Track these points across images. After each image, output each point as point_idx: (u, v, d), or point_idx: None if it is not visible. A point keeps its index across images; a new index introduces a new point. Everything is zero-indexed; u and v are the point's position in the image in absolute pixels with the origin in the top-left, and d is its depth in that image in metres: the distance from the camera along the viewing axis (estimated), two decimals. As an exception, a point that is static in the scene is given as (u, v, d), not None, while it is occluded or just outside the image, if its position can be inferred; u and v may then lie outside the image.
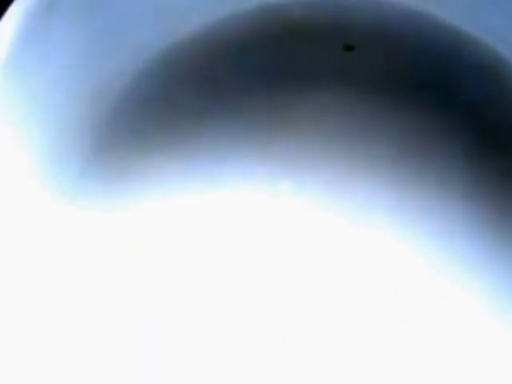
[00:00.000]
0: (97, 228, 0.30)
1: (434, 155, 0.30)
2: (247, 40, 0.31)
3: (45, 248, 0.29)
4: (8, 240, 0.28)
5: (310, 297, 0.30)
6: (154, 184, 0.30)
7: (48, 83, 0.28)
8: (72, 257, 0.30)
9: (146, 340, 0.30)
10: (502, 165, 0.30)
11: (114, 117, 0.31)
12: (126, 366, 0.29)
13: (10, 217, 0.28)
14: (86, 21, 0.28)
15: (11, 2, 0.26)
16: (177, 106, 0.31)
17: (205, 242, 0.30)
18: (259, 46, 0.31)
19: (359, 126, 0.31)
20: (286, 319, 0.30)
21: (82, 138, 0.30)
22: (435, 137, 0.31)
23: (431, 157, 0.30)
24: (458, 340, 0.29)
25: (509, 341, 0.29)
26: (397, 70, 0.31)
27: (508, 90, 0.30)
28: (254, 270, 0.30)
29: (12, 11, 0.26)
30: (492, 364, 0.29)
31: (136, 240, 0.30)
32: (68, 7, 0.27)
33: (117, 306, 0.30)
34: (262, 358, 0.29)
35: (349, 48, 0.31)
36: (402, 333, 0.30)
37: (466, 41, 0.30)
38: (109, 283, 0.30)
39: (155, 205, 0.30)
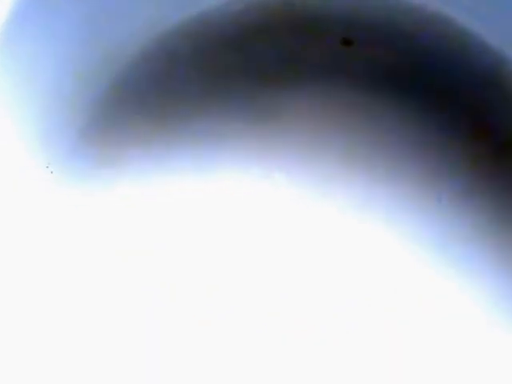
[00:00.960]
0: (86, 212, 0.30)
1: (433, 153, 0.30)
2: (244, 29, 0.31)
3: (32, 230, 0.29)
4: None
5: (310, 295, 0.30)
6: (146, 170, 0.30)
7: (42, 63, 0.28)
8: (61, 243, 0.30)
9: (145, 338, 0.29)
10: (502, 165, 0.30)
11: (109, 99, 0.30)
12: (125, 365, 0.29)
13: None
14: (84, 2, 0.28)
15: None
16: (173, 91, 0.30)
17: (200, 238, 0.30)
18: (256, 38, 0.31)
19: (356, 121, 0.31)
20: (286, 319, 0.29)
21: (75, 119, 0.30)
22: (434, 135, 0.30)
23: (430, 154, 0.30)
24: (457, 340, 0.29)
25: (508, 341, 0.29)
26: (395, 65, 0.31)
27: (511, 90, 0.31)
28: (252, 267, 0.30)
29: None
30: (492, 364, 0.29)
31: (128, 228, 0.30)
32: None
33: (113, 302, 0.29)
34: (262, 358, 0.29)
35: (347, 43, 0.31)
36: (402, 332, 0.29)
37: (468, 38, 0.30)
38: (102, 274, 0.30)
39: (148, 192, 0.30)
